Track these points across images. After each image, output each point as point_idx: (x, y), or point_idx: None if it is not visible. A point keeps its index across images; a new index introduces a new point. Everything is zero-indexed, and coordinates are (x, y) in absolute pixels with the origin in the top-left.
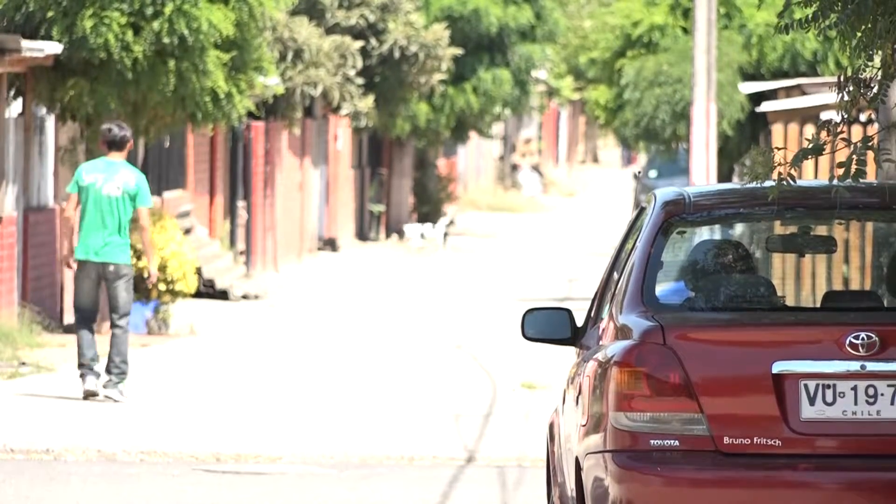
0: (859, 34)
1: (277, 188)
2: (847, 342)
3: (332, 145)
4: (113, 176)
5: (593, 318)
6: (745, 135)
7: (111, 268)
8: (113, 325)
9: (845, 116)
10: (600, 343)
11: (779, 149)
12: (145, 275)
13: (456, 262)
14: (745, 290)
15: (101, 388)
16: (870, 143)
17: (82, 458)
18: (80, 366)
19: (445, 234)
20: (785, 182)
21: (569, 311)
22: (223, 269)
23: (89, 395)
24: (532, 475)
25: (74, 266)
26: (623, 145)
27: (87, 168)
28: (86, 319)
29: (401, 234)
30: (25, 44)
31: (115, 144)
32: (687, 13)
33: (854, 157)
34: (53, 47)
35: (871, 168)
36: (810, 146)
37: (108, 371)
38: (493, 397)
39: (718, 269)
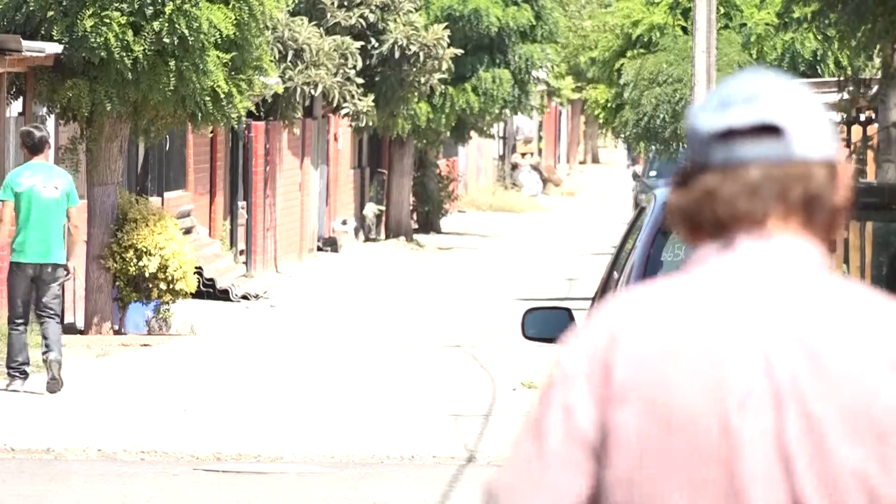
0: (859, 34)
1: (278, 188)
2: None
3: (333, 145)
4: (50, 178)
5: None
6: None
7: (49, 269)
8: (45, 319)
9: (845, 116)
10: None
11: None
12: (146, 273)
13: (456, 263)
14: None
15: (50, 359)
16: (869, 143)
17: (83, 457)
18: (10, 367)
19: (357, 229)
20: None
21: (569, 311)
22: (224, 269)
23: (12, 391)
24: None
25: None
26: (627, 148)
27: (22, 173)
28: (20, 321)
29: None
30: (26, 44)
31: (36, 147)
32: (687, 13)
33: (854, 155)
34: (54, 47)
35: (871, 168)
36: None
37: (48, 348)
38: (493, 397)
39: None
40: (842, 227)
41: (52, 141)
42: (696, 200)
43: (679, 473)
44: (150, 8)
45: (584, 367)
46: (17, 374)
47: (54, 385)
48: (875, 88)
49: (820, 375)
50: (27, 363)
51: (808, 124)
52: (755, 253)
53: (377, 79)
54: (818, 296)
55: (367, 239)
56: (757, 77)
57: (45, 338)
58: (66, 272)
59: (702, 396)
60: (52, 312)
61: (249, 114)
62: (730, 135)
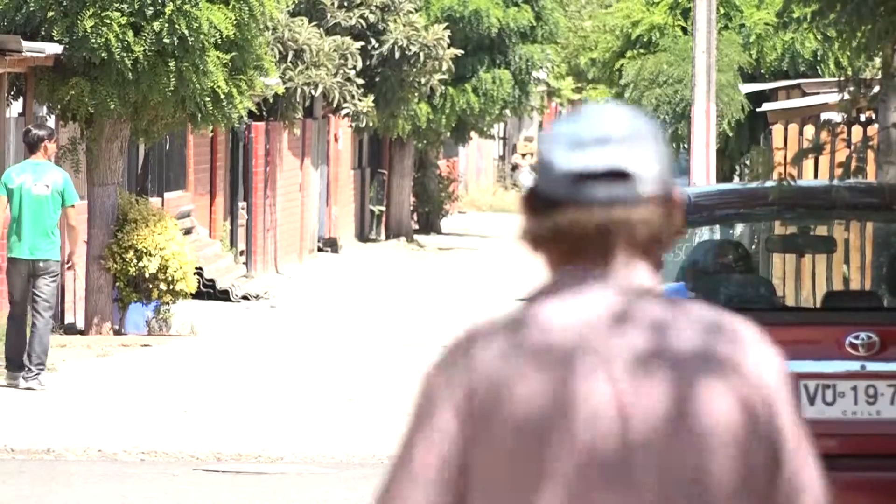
0: (859, 34)
1: (278, 188)
2: (847, 342)
3: (333, 146)
4: (41, 176)
5: None
6: (745, 135)
7: (41, 264)
8: (36, 319)
9: (845, 117)
10: None
11: (779, 149)
12: (146, 274)
13: (456, 263)
14: (745, 289)
15: (22, 379)
16: (870, 143)
17: (83, 457)
18: (8, 361)
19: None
20: (785, 182)
21: None
22: (224, 270)
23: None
24: None
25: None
26: None
27: (15, 170)
28: (18, 315)
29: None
30: (26, 44)
31: (32, 146)
32: (686, 13)
33: (854, 155)
34: (54, 48)
35: (871, 168)
36: (811, 145)
37: (30, 362)
38: None
39: (718, 269)
40: (670, 248)
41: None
42: (549, 232)
43: (540, 479)
44: (151, 8)
45: (449, 389)
46: (13, 368)
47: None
48: (876, 89)
49: (664, 391)
50: (23, 355)
51: (652, 164)
52: (601, 283)
53: (377, 79)
54: (652, 317)
55: (368, 239)
56: (607, 115)
57: (30, 343)
58: (68, 267)
59: (553, 411)
60: (42, 310)
61: (250, 114)
62: (583, 176)
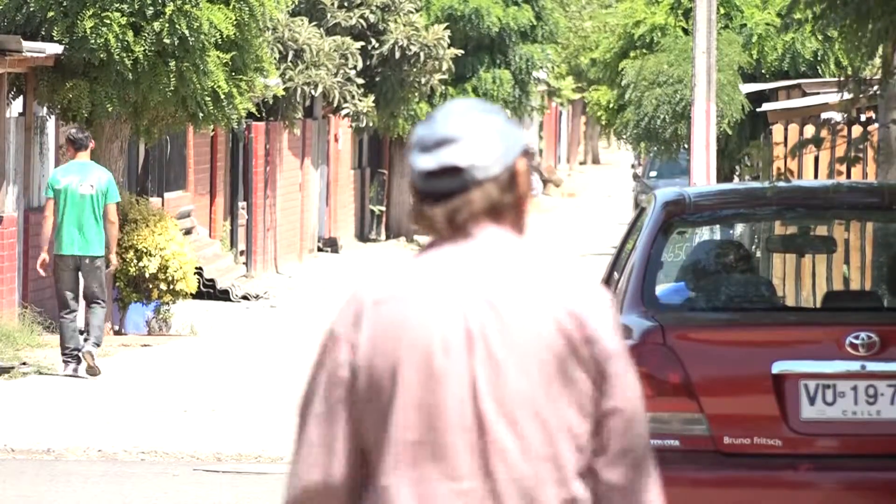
0: (860, 34)
1: (278, 188)
2: (847, 342)
3: (333, 145)
4: (86, 176)
5: None
6: (745, 135)
7: (87, 260)
8: (94, 306)
9: (846, 116)
10: None
11: (777, 143)
12: (147, 274)
13: None
14: (746, 290)
15: (83, 351)
16: (868, 137)
17: (83, 458)
18: (64, 353)
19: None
20: (783, 177)
21: None
22: (224, 270)
23: (69, 376)
24: None
25: (42, 270)
26: (634, 154)
27: (61, 172)
28: (68, 309)
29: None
30: (26, 44)
31: (82, 145)
32: (688, 13)
33: (853, 146)
34: (54, 48)
35: (871, 168)
36: (810, 137)
37: (86, 340)
38: None
39: (719, 269)
40: (527, 209)
41: (53, 142)
42: (421, 217)
43: (402, 398)
44: (151, 8)
45: (344, 328)
46: (69, 359)
47: (92, 371)
48: (875, 88)
49: (501, 326)
50: (78, 349)
51: (488, 152)
52: (459, 248)
53: (377, 79)
54: (503, 269)
55: (368, 239)
56: (450, 116)
57: (87, 323)
58: (107, 264)
59: (417, 344)
60: (96, 300)
61: (250, 114)
62: (427, 174)
